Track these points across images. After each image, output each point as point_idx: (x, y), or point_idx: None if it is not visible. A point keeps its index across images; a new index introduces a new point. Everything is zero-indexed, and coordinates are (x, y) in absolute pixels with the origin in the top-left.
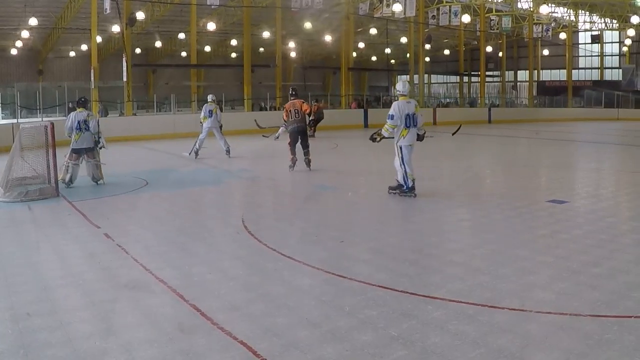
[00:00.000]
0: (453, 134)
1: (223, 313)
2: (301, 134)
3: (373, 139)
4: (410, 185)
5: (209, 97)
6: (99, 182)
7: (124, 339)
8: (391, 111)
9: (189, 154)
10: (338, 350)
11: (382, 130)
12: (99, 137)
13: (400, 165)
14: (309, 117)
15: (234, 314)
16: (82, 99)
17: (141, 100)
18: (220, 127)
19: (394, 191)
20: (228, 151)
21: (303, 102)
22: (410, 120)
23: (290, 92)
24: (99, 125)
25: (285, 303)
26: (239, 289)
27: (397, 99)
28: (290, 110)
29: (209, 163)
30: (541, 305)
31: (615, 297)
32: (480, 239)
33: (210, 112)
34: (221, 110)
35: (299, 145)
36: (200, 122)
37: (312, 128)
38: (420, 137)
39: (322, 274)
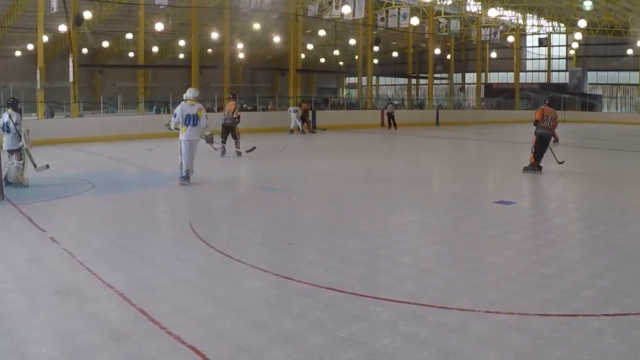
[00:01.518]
0: (248, 151)
1: (171, 317)
2: (228, 128)
3: (166, 125)
4: (184, 175)
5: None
6: (16, 186)
7: (72, 345)
8: (176, 111)
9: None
10: (287, 352)
11: (171, 123)
12: (22, 136)
13: (179, 156)
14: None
15: (182, 317)
16: (11, 100)
17: (88, 101)
18: (211, 138)
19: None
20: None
21: (234, 104)
22: (189, 120)
23: (230, 94)
24: (16, 124)
25: (233, 306)
26: (187, 292)
27: (185, 101)
28: (225, 110)
29: (156, 165)
30: (491, 305)
31: (564, 296)
32: (430, 240)
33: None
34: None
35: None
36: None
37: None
38: (207, 139)
39: (270, 276)
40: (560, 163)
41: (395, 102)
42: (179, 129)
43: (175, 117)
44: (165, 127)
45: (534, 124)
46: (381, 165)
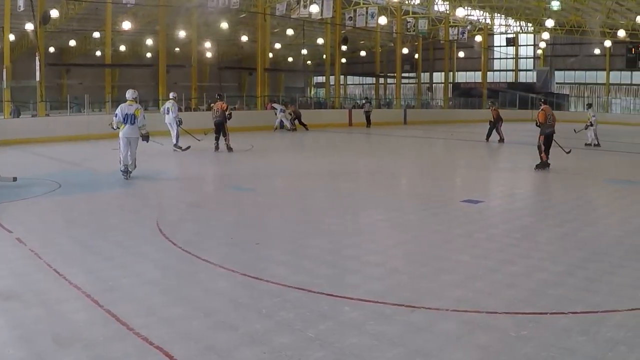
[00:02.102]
0: (183, 150)
1: (139, 318)
2: (219, 125)
3: (110, 125)
4: (122, 169)
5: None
6: None
7: (39, 347)
8: (117, 111)
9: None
10: (255, 353)
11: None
12: None
13: (120, 150)
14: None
15: (149, 318)
16: None
17: (54, 100)
18: (147, 136)
19: None
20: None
21: (223, 103)
22: (128, 119)
23: (217, 95)
24: None
25: (201, 306)
26: (154, 293)
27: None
28: (214, 109)
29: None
30: (458, 303)
31: (532, 294)
32: (397, 239)
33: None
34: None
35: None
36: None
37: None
38: (143, 137)
39: (238, 276)
40: (567, 153)
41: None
42: (119, 128)
43: (116, 117)
44: (109, 127)
45: (538, 126)
46: (349, 165)
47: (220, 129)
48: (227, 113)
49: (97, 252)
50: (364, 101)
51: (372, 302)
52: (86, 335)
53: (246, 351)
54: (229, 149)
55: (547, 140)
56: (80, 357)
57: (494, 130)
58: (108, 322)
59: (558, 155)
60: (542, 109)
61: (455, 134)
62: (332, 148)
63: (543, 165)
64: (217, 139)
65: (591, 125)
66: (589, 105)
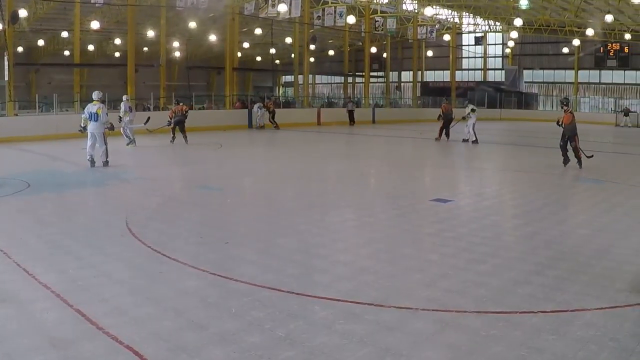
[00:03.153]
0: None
1: (109, 317)
2: (180, 124)
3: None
4: (88, 159)
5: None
6: None
7: (8, 347)
8: (84, 110)
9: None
10: (226, 352)
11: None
12: None
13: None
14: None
15: (119, 318)
16: None
17: (23, 100)
18: (111, 127)
19: None
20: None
21: (183, 105)
22: (91, 116)
23: (176, 101)
24: None
25: (171, 306)
26: (124, 293)
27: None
28: (175, 111)
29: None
30: (427, 302)
31: (501, 293)
32: (366, 238)
33: (94, 114)
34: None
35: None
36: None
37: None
38: (109, 128)
39: (207, 275)
40: (589, 157)
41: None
42: (87, 125)
43: (83, 114)
44: (79, 127)
45: (560, 125)
46: (318, 164)
47: (182, 127)
48: (185, 113)
49: (67, 251)
50: (347, 100)
51: (341, 301)
52: (56, 335)
53: (216, 350)
54: (185, 139)
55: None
56: (50, 357)
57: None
58: (78, 322)
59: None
60: (569, 112)
61: (424, 133)
62: (300, 147)
63: (579, 162)
64: (174, 133)
65: (464, 119)
66: (469, 101)
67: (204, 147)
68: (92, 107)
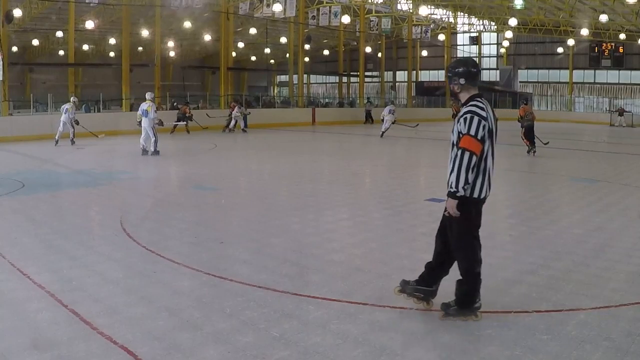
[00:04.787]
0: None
1: (103, 317)
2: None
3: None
4: (141, 148)
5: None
6: None
7: (2, 346)
8: (139, 108)
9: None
10: (220, 352)
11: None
12: None
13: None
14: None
15: (113, 317)
16: None
17: (18, 100)
18: (160, 123)
19: None
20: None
21: (187, 106)
22: (143, 113)
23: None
24: None
25: (165, 306)
26: (118, 292)
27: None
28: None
29: (88, 164)
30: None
31: (495, 293)
32: (360, 238)
33: (144, 111)
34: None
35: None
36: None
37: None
38: (158, 124)
39: (202, 275)
40: (545, 144)
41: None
42: (141, 120)
43: (139, 112)
44: (137, 122)
45: (519, 120)
46: (312, 164)
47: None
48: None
49: (61, 251)
50: (366, 101)
51: (335, 301)
52: (50, 335)
53: (210, 350)
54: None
55: (530, 132)
56: (44, 356)
57: None
58: (72, 322)
59: (519, 153)
60: (521, 107)
61: (418, 132)
62: (294, 147)
63: (530, 149)
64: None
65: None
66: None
67: (198, 147)
68: (144, 105)
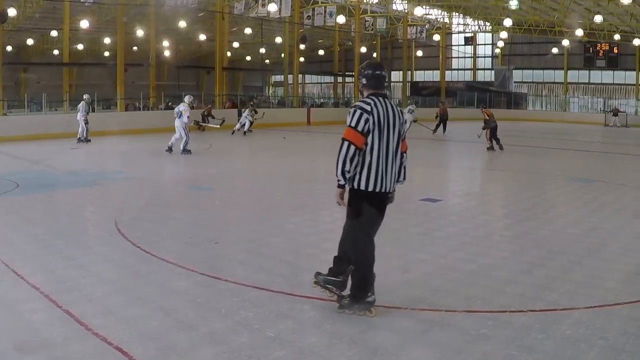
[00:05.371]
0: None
1: (98, 318)
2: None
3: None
4: (181, 148)
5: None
6: None
7: None
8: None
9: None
10: (216, 352)
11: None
12: None
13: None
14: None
15: (109, 318)
16: None
17: (12, 99)
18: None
19: None
20: (170, 148)
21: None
22: (178, 114)
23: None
24: None
25: (160, 306)
26: (113, 293)
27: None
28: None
29: (83, 165)
30: (417, 302)
31: (490, 292)
32: None
33: (179, 112)
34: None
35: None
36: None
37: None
38: (200, 122)
39: (197, 275)
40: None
41: (322, 100)
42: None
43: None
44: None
45: (486, 122)
46: (308, 164)
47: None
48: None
49: (56, 252)
50: None
51: (331, 301)
52: (45, 336)
53: (206, 351)
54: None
55: (495, 132)
56: (39, 357)
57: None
58: (67, 322)
59: (514, 153)
60: (487, 109)
61: (410, 132)
62: (290, 147)
63: (492, 147)
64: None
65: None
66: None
67: (194, 147)
68: (180, 107)
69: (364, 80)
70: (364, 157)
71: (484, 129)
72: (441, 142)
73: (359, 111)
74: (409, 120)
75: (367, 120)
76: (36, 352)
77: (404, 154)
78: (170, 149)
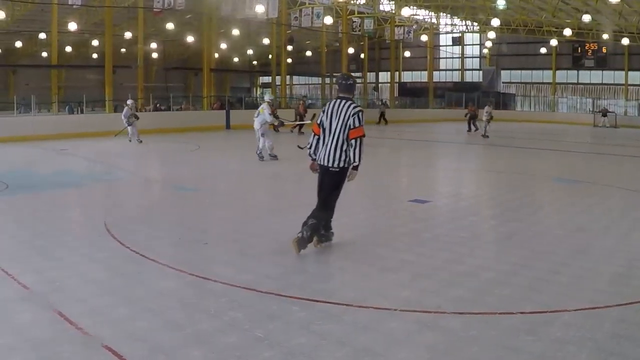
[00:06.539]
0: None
1: (86, 318)
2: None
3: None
4: (258, 153)
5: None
6: None
7: None
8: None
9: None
10: (203, 352)
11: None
12: None
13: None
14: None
15: (97, 318)
16: None
17: (1, 101)
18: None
19: None
20: (260, 155)
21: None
22: (256, 114)
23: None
24: None
25: (148, 306)
26: (101, 293)
27: None
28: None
29: (72, 166)
30: (405, 303)
31: (478, 293)
32: (343, 238)
33: (258, 112)
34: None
35: None
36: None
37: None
38: (277, 124)
39: (185, 276)
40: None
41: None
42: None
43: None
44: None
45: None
46: (293, 164)
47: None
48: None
49: (45, 252)
50: (380, 102)
51: (319, 302)
52: (34, 335)
53: (194, 351)
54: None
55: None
56: (28, 357)
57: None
58: (56, 322)
59: (502, 154)
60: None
61: (401, 133)
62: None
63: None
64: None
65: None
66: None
67: (182, 148)
68: (263, 105)
69: (336, 87)
70: (318, 140)
71: (466, 116)
72: (431, 143)
73: (361, 112)
74: (484, 118)
75: (319, 117)
76: (26, 352)
77: (353, 140)
78: (261, 157)
